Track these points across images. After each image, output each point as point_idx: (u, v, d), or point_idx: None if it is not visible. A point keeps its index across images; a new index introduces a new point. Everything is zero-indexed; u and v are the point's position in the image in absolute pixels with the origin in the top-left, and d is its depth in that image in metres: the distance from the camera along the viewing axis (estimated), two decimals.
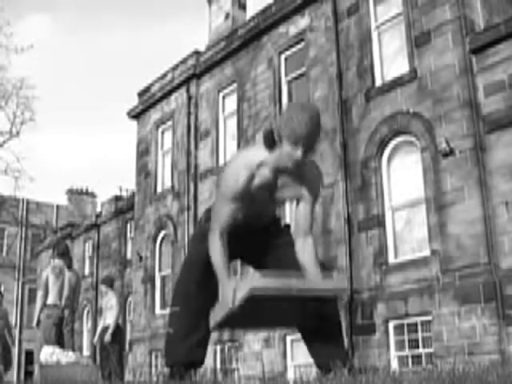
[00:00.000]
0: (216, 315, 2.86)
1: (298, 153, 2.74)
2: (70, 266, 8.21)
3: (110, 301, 10.75)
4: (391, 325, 11.40)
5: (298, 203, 3.03)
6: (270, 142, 2.86)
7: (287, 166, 2.82)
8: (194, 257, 3.14)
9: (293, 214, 3.11)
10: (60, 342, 7.65)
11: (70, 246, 25.31)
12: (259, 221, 3.14)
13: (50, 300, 7.88)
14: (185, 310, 3.04)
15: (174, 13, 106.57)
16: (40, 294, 7.99)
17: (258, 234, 3.16)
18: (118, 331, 10.62)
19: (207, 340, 3.10)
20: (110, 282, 11.13)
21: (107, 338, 10.29)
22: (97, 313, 23.47)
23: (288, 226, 3.26)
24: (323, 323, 2.98)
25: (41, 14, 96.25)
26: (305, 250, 2.97)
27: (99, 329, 11.02)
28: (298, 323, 3.08)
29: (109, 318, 10.57)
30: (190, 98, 18.01)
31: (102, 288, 11.09)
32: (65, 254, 8.19)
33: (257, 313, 2.82)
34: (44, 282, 7.99)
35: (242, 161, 2.92)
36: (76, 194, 35.84)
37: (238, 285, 2.70)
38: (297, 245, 3.00)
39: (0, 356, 10.08)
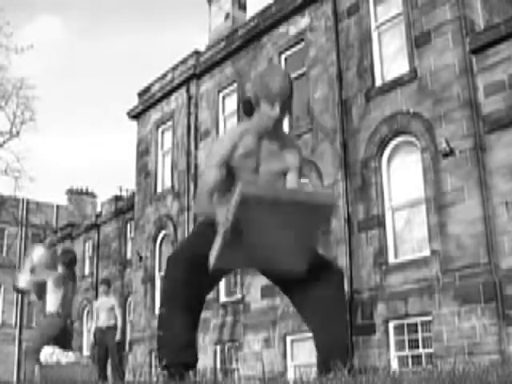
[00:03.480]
0: (214, 249, 2.87)
1: (276, 109, 2.92)
2: (73, 280, 8.09)
3: (110, 301, 11.04)
4: (391, 325, 11.39)
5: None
6: (248, 110, 3.05)
7: (267, 126, 2.97)
8: (180, 255, 3.05)
9: None
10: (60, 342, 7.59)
11: (72, 247, 25.34)
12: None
13: (52, 308, 7.79)
14: (171, 311, 2.97)
15: (174, 13, 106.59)
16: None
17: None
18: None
19: (195, 339, 3.04)
20: (108, 283, 11.49)
21: (118, 337, 10.73)
22: None
23: None
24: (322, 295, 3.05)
25: (51, 16, 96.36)
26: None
27: (93, 329, 11.25)
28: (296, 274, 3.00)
29: (112, 319, 10.90)
30: (190, 98, 18.01)
31: (101, 289, 11.40)
32: (70, 265, 8.09)
33: (252, 246, 2.83)
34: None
35: (227, 134, 3.14)
36: (76, 194, 35.83)
37: (231, 202, 2.75)
38: None
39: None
